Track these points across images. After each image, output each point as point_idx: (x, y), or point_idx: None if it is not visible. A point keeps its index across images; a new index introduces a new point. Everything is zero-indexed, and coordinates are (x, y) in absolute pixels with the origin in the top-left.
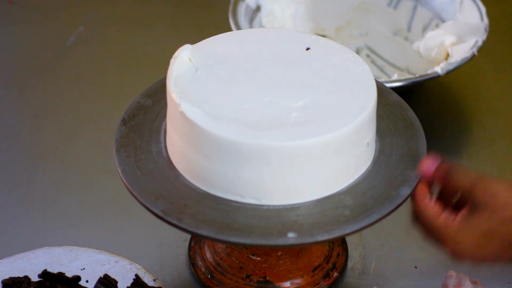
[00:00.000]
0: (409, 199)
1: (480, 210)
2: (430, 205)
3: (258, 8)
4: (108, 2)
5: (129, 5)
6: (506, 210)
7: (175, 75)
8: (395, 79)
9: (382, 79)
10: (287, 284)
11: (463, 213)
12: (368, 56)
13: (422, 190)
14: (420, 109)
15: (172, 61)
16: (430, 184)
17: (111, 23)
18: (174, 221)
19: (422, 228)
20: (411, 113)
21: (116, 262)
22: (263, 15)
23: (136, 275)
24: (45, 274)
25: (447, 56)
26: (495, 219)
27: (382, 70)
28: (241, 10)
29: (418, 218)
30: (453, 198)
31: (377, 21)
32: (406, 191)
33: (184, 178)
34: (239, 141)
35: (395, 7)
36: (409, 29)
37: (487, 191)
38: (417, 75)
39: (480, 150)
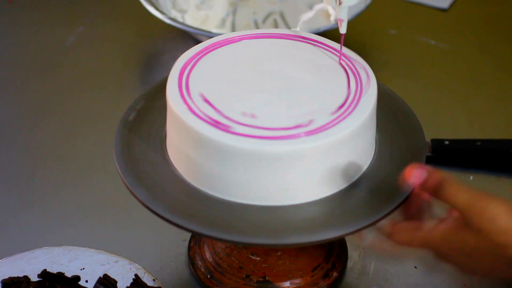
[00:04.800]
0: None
1: (471, 231)
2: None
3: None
4: (108, 2)
5: (129, 5)
6: (502, 235)
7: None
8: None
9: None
10: (287, 284)
11: (447, 226)
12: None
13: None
14: (420, 109)
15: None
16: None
17: (111, 23)
18: (174, 220)
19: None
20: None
21: (116, 262)
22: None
23: (136, 275)
24: (44, 274)
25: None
26: (487, 243)
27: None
28: None
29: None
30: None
31: None
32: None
33: (184, 178)
34: (238, 147)
35: None
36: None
37: (484, 215)
38: None
39: None
